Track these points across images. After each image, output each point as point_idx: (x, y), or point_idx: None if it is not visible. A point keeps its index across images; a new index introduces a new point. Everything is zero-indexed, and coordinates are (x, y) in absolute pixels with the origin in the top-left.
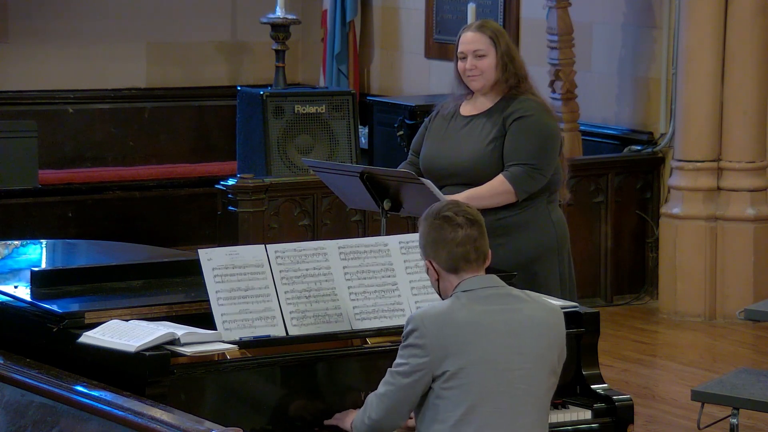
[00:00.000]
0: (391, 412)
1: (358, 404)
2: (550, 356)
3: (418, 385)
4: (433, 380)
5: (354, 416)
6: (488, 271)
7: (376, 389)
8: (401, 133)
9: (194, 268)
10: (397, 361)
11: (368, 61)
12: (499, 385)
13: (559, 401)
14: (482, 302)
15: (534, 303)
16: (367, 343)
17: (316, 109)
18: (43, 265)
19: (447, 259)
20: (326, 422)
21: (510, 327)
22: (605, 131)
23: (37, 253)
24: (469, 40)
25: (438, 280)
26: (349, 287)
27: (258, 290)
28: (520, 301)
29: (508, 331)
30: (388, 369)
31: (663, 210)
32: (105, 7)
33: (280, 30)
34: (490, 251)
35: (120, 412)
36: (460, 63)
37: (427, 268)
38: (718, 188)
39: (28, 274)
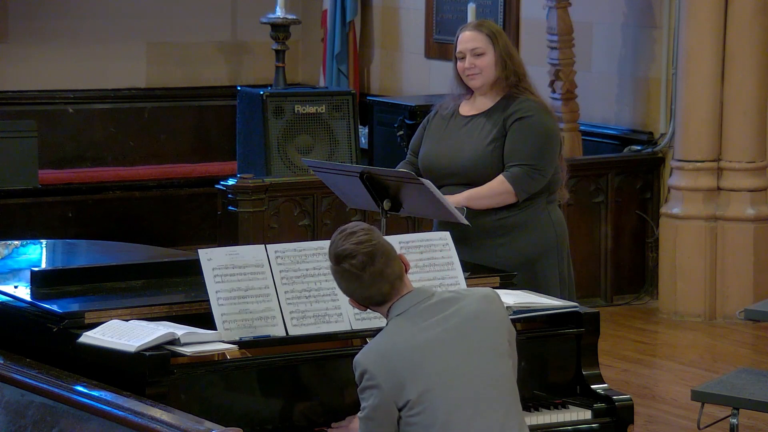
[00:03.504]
0: None
1: (357, 404)
2: (499, 341)
3: (386, 422)
4: (399, 410)
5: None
6: (488, 271)
7: None
8: (401, 133)
9: (194, 268)
10: (362, 405)
11: (368, 61)
12: (462, 393)
13: (559, 401)
14: (418, 319)
15: (466, 298)
16: (367, 343)
17: (316, 109)
18: (43, 265)
19: (365, 299)
20: (333, 425)
21: (453, 334)
22: (605, 131)
23: (37, 253)
24: (467, 38)
25: (365, 309)
26: None
27: (258, 290)
28: (453, 303)
29: (452, 339)
30: (358, 416)
31: (663, 210)
32: (105, 7)
33: (280, 30)
34: (404, 261)
35: (120, 412)
36: (459, 63)
37: (350, 303)
38: (718, 188)
39: (28, 274)
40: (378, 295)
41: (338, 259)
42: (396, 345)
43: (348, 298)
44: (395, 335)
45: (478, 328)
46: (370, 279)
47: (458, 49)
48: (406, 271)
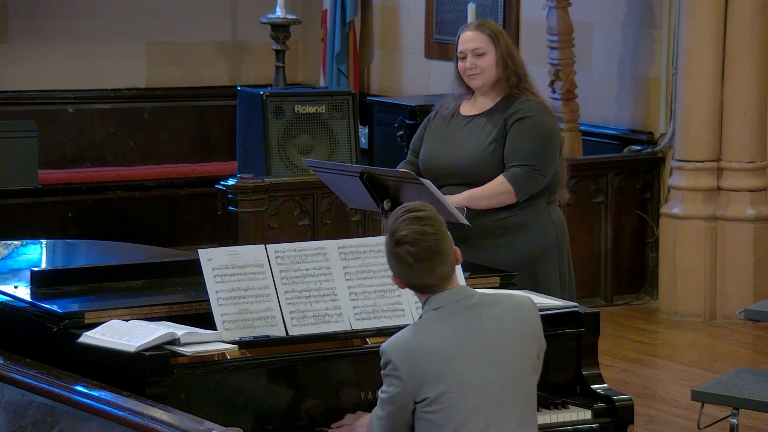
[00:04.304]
0: (395, 427)
1: (357, 404)
2: (527, 353)
3: (402, 411)
4: (416, 404)
5: (365, 420)
6: (488, 271)
7: (375, 389)
8: (401, 133)
9: (194, 268)
10: (383, 387)
11: (368, 61)
12: (479, 401)
13: (559, 401)
14: (452, 319)
15: (503, 304)
16: (367, 343)
17: (316, 109)
18: (43, 265)
19: (411, 285)
20: (334, 425)
21: (482, 340)
22: (605, 131)
23: (37, 253)
24: (468, 38)
25: (404, 289)
26: (349, 287)
27: (258, 290)
28: (489, 307)
29: (481, 345)
30: (378, 394)
31: (663, 210)
32: (105, 7)
33: (280, 30)
34: (457, 255)
35: (120, 412)
36: (460, 63)
37: (393, 280)
38: (718, 188)
39: (28, 274)
40: (422, 287)
41: (397, 241)
42: (423, 344)
43: (392, 277)
44: (425, 333)
45: (508, 339)
46: (421, 271)
47: (459, 49)
48: (457, 262)
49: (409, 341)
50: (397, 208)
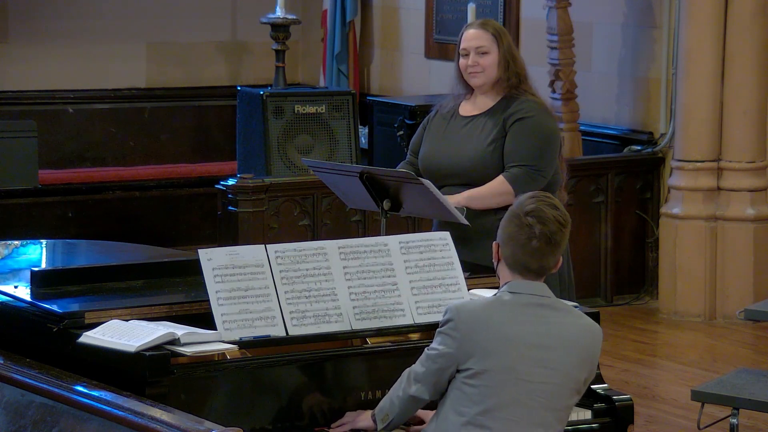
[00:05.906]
0: (428, 387)
1: (358, 404)
2: (576, 374)
3: (442, 373)
4: (458, 371)
5: (366, 414)
6: (488, 271)
7: (375, 389)
8: (401, 133)
9: (194, 268)
10: (432, 344)
11: (368, 61)
12: (518, 394)
13: None
14: (523, 309)
15: (573, 319)
16: (367, 343)
17: (316, 109)
18: (43, 265)
19: (509, 257)
20: (334, 425)
21: (541, 340)
22: (605, 131)
23: (37, 253)
24: (472, 36)
25: (497, 262)
26: (349, 287)
27: (258, 290)
28: (559, 315)
29: (538, 344)
30: (426, 348)
31: (663, 210)
32: (105, 7)
33: (280, 30)
34: (560, 262)
35: (120, 412)
36: (461, 60)
37: (494, 248)
38: (718, 188)
39: (28, 274)
40: (520, 265)
41: (528, 212)
42: (490, 318)
43: (494, 244)
44: (496, 311)
45: (564, 352)
46: (532, 250)
47: (462, 46)
48: (554, 269)
49: (478, 309)
50: (538, 192)
